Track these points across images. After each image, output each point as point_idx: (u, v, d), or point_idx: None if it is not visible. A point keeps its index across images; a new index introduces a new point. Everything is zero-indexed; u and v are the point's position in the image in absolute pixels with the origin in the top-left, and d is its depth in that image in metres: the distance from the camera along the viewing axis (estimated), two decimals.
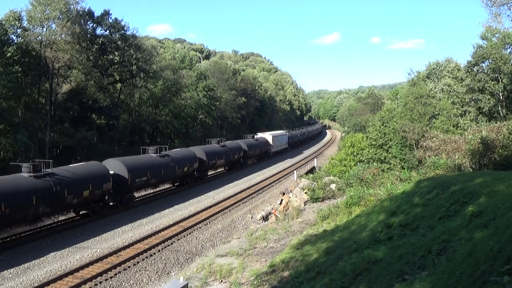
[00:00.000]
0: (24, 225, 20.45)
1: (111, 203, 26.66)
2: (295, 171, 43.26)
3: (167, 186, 34.91)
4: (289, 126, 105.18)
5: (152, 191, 32.66)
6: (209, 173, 40.82)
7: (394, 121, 41.13)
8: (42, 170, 20.84)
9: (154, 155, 30.81)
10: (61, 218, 23.77)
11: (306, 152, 74.12)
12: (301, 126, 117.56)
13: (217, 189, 35.51)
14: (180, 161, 32.74)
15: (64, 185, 21.14)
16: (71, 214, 24.44)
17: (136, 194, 29.63)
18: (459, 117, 38.76)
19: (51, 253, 18.46)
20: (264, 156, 57.86)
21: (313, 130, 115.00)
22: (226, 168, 46.04)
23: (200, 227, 23.83)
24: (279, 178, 41.88)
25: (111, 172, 25.27)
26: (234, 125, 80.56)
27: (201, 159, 36.60)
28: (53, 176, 21.01)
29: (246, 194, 33.26)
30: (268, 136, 60.90)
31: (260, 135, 60.65)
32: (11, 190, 18.57)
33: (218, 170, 45.31)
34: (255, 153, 53.06)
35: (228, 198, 31.73)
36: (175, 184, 35.40)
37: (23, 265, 16.97)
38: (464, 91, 39.26)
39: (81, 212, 24.68)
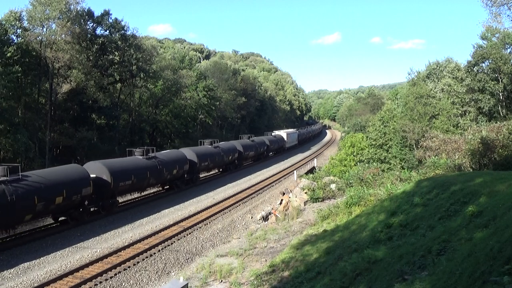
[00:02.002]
0: (139, 192, 29.78)
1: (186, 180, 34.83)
2: (295, 171, 43.25)
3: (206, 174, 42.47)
4: (289, 126, 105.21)
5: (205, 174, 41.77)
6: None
7: (394, 121, 41.11)
8: (149, 154, 29.34)
9: (210, 146, 40.60)
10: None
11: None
12: (302, 126, 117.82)
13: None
14: (227, 151, 42.30)
15: (163, 165, 29.69)
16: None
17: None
18: (459, 117, 38.72)
19: (51, 253, 18.45)
20: (280, 150, 67.21)
21: (315, 129, 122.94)
22: (253, 160, 54.52)
23: (200, 227, 23.83)
24: (279, 178, 41.88)
25: (188, 157, 33.98)
26: (234, 125, 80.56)
27: (239, 150, 46.06)
28: (156, 158, 29.67)
29: (246, 194, 33.25)
30: (283, 133, 70.17)
31: (276, 132, 69.93)
32: (136, 167, 27.03)
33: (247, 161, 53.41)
34: (274, 148, 62.70)
35: (228, 198, 31.75)
36: (220, 170, 44.20)
37: (23, 265, 16.96)
38: (464, 91, 39.19)
39: (165, 187, 33.35)
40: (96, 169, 24.22)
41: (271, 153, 62.60)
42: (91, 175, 23.38)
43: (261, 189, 36.06)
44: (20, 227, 20.80)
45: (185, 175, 34.07)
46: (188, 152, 34.96)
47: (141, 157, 28.74)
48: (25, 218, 19.71)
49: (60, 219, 22.91)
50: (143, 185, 28.50)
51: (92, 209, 24.45)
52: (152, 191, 32.60)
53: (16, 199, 18.15)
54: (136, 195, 30.31)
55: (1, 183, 18.01)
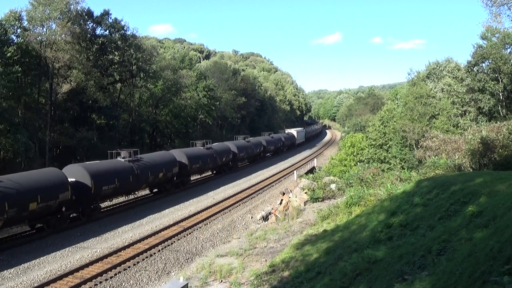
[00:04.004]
0: (200, 174, 39.34)
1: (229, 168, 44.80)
2: (295, 171, 43.25)
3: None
4: (289, 126, 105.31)
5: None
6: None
7: (394, 121, 41.08)
8: (206, 146, 38.67)
9: (243, 141, 50.35)
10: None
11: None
12: (302, 126, 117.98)
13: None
14: (255, 145, 52.74)
15: (217, 153, 39.38)
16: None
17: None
18: (459, 117, 38.68)
19: (51, 253, 18.45)
20: (292, 146, 76.32)
21: (317, 129, 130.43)
22: (271, 153, 63.86)
23: (200, 227, 23.83)
24: (279, 178, 41.88)
25: (231, 149, 43.64)
26: (234, 125, 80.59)
27: (264, 145, 56.61)
28: (212, 149, 38.98)
29: (246, 194, 33.25)
30: (294, 131, 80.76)
31: (288, 131, 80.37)
32: (201, 155, 36.54)
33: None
34: (287, 144, 72.20)
35: (228, 198, 31.75)
36: (249, 161, 53.39)
37: (23, 265, 16.96)
38: (464, 91, 39.16)
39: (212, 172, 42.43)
40: (177, 155, 32.56)
41: (285, 149, 71.22)
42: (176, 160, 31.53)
43: (261, 189, 36.07)
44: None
45: (230, 163, 43.97)
46: (231, 145, 44.67)
47: (202, 147, 38.02)
48: (142, 187, 28.49)
49: (154, 190, 31.64)
50: (205, 168, 38.12)
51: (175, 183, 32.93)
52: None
53: (140, 173, 26.48)
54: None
55: (131, 162, 26.47)
